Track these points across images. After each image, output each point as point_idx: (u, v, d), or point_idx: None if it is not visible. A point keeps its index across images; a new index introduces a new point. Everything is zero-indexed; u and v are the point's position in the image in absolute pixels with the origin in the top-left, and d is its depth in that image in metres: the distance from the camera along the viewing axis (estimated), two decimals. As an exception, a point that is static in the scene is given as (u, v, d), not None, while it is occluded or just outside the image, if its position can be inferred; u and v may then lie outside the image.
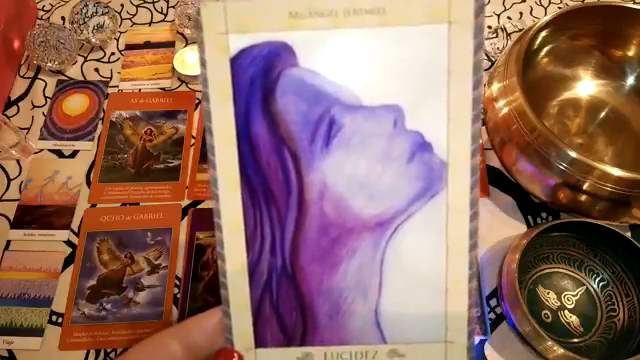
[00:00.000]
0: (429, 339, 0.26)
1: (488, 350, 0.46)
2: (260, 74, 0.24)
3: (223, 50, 0.24)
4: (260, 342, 0.26)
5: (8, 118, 0.60)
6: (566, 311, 0.46)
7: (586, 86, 0.56)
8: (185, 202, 0.55)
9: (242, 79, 0.24)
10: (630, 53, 0.53)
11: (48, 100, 0.62)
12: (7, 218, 0.54)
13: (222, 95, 0.24)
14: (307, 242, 0.25)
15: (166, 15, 0.69)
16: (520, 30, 0.62)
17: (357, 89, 0.24)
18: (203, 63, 0.24)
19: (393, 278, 0.25)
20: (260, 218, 0.25)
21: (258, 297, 0.25)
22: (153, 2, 0.71)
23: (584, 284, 0.47)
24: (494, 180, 0.55)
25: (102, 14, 0.64)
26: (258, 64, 0.24)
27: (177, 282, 0.50)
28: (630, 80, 0.55)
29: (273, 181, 0.25)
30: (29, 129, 0.60)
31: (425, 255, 0.25)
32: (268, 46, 0.24)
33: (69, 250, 0.52)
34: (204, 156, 0.57)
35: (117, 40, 0.67)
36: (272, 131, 0.24)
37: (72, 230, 0.53)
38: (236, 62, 0.24)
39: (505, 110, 0.45)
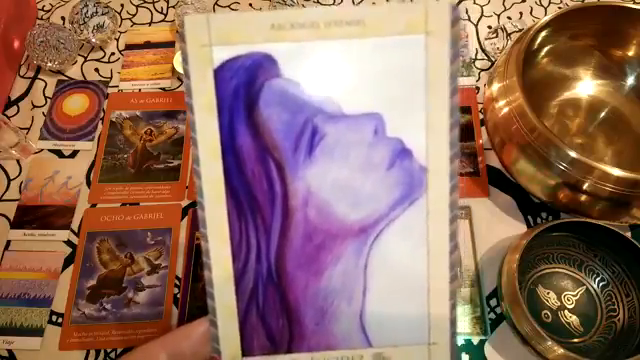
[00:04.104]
0: (413, 341, 0.26)
1: (488, 350, 0.46)
2: (243, 85, 0.24)
3: (207, 62, 0.24)
4: (247, 350, 0.26)
5: (8, 118, 0.60)
6: (566, 311, 0.46)
7: (586, 86, 0.56)
8: (185, 202, 0.55)
9: (226, 90, 0.24)
10: (630, 53, 0.53)
11: (48, 100, 0.62)
12: (7, 218, 0.54)
13: (206, 106, 0.24)
14: (292, 249, 0.25)
15: (166, 15, 0.69)
16: (520, 30, 0.62)
17: (339, 98, 0.24)
18: (187, 74, 0.24)
19: (377, 282, 0.26)
20: (246, 226, 0.25)
21: (245, 305, 0.26)
22: (153, 2, 0.71)
23: (584, 284, 0.47)
24: (494, 180, 0.55)
25: (102, 14, 0.64)
26: (241, 75, 0.24)
27: (177, 282, 0.50)
28: (630, 80, 0.55)
29: (258, 189, 0.25)
30: (29, 129, 0.60)
31: (407, 259, 0.26)
32: (251, 57, 0.24)
33: (69, 250, 0.52)
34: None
35: (117, 40, 0.67)
36: (256, 141, 0.25)
37: (72, 230, 0.53)
38: (219, 73, 0.24)
39: (505, 110, 0.45)
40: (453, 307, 0.26)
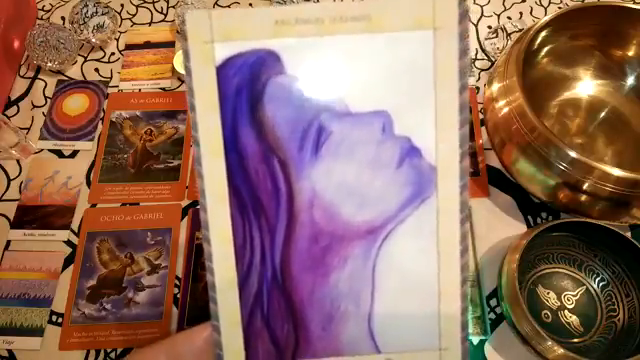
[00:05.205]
0: (423, 347, 0.25)
1: (488, 350, 0.46)
2: (247, 83, 0.24)
3: (209, 59, 0.23)
4: (251, 357, 0.25)
5: (8, 118, 0.60)
6: (566, 311, 0.46)
7: (586, 86, 0.56)
8: (185, 202, 0.55)
9: (228, 88, 0.24)
10: (630, 53, 0.53)
11: (48, 100, 0.62)
12: (7, 218, 0.54)
13: (208, 105, 0.24)
14: (297, 251, 0.25)
15: (166, 15, 0.69)
16: (520, 30, 0.62)
17: (345, 96, 0.24)
18: (189, 72, 0.23)
19: (386, 285, 0.25)
20: (249, 229, 0.24)
21: (248, 310, 0.25)
22: (153, 2, 0.71)
23: (584, 284, 0.47)
24: (494, 180, 0.55)
25: (102, 14, 0.64)
26: (244, 72, 0.23)
27: (177, 282, 0.50)
28: (630, 80, 0.55)
29: (262, 190, 0.24)
30: (29, 129, 0.60)
31: (417, 261, 0.25)
32: (254, 54, 0.23)
33: (69, 250, 0.52)
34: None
35: (117, 40, 0.67)
36: (260, 140, 0.24)
37: (72, 230, 0.53)
38: (222, 71, 0.23)
39: (505, 110, 0.45)
40: (464, 311, 0.25)
